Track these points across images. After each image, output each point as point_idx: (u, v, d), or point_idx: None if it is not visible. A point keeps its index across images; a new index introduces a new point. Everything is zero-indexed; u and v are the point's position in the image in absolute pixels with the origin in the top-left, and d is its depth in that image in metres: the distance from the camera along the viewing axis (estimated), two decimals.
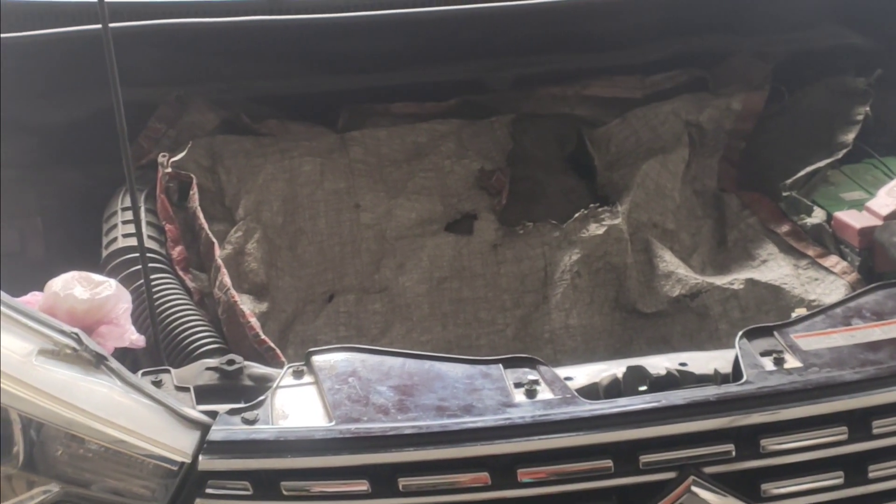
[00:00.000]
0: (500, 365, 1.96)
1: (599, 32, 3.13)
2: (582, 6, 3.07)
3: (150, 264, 2.45)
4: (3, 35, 2.73)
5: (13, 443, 1.75)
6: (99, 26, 2.06)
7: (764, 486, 1.86)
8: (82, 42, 2.73)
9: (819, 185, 2.90)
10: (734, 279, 2.71)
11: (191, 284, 2.58)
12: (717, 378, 1.95)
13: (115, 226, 2.67)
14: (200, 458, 1.78)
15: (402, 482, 1.78)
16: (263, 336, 2.35)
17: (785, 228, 2.84)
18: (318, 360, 1.98)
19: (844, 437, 1.88)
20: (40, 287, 2.29)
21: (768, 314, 2.62)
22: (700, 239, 2.92)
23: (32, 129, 2.82)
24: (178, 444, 1.79)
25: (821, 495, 1.89)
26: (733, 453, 1.85)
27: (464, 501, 1.81)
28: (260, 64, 2.99)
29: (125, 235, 2.62)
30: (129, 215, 2.64)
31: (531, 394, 1.89)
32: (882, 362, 1.96)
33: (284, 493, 1.78)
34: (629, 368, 1.98)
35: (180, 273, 2.60)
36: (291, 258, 2.77)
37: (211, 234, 2.62)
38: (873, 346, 2.00)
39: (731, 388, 1.90)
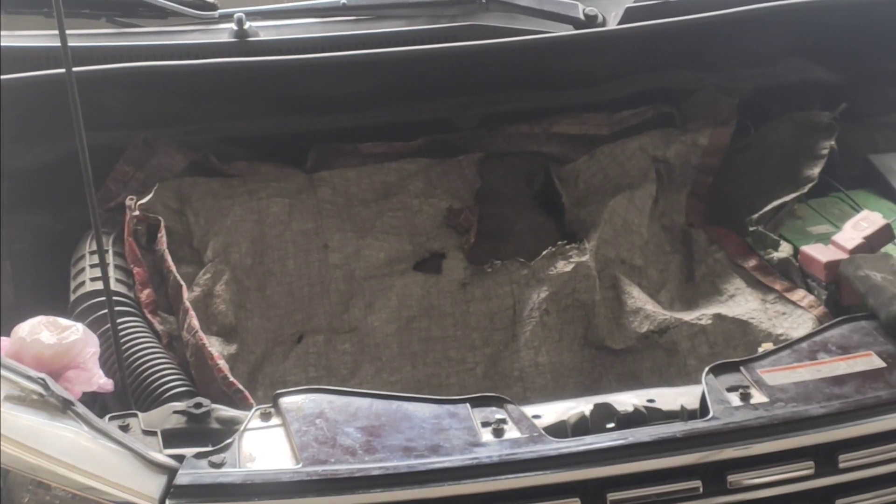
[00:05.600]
0: (468, 404, 1.97)
1: (566, 70, 3.13)
2: (548, 45, 3.08)
3: (118, 308, 2.44)
4: None
5: None
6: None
7: None
8: (51, 86, 2.72)
9: (785, 219, 2.90)
10: (702, 314, 2.70)
11: (159, 327, 2.57)
12: (683, 414, 1.97)
13: (82, 269, 2.66)
14: (167, 502, 1.78)
15: None
16: (232, 378, 2.34)
17: (752, 263, 2.83)
18: (285, 401, 1.98)
19: (811, 471, 1.90)
20: (7, 332, 2.29)
21: (736, 349, 2.62)
22: (668, 274, 2.92)
23: (1, 172, 2.81)
24: (144, 489, 1.79)
25: None
26: (701, 489, 1.86)
27: None
28: (228, 105, 2.99)
29: (93, 279, 2.60)
30: (96, 259, 2.62)
31: (498, 433, 1.89)
32: (847, 396, 1.98)
33: None
34: (596, 406, 1.99)
35: (149, 316, 2.58)
36: (260, 299, 2.77)
37: (179, 277, 2.61)
38: (838, 380, 2.02)
39: (698, 425, 1.91)
